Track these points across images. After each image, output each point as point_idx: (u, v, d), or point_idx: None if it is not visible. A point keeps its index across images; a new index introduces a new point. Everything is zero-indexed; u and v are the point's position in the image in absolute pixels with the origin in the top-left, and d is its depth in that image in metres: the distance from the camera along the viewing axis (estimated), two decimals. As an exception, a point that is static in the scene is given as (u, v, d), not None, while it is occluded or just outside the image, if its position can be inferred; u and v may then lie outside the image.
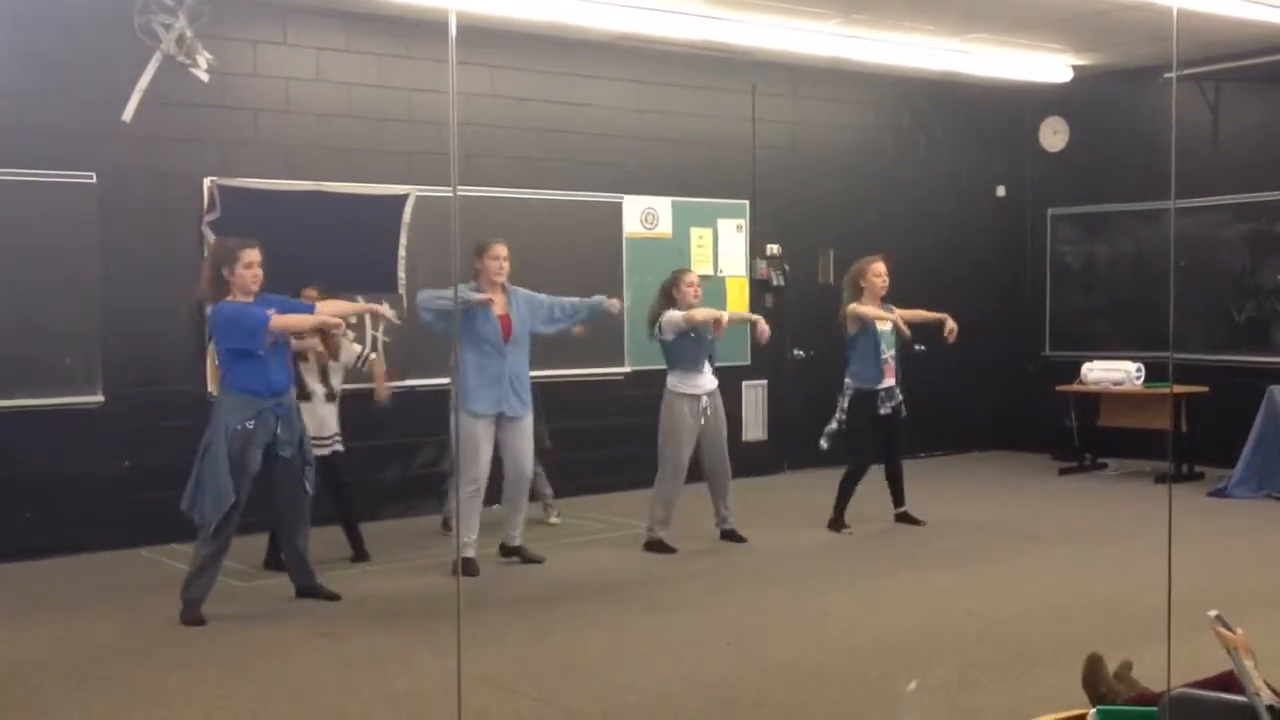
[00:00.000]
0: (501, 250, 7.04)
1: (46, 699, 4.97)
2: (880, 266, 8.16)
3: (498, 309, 7.01)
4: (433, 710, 4.75)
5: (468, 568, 6.83)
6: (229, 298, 6.05)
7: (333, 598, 6.38)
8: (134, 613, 6.25)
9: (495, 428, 7.02)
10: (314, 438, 6.78)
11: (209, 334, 6.57)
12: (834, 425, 8.16)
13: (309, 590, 6.40)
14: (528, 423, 7.12)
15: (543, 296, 7.27)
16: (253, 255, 6.06)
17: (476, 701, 4.71)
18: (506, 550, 7.24)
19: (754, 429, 10.64)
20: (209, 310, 6.19)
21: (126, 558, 7.52)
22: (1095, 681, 4.18)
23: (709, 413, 7.66)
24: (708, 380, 7.68)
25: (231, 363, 6.04)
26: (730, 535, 7.83)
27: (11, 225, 7.41)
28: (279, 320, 5.99)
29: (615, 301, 7.45)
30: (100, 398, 7.65)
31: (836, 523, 8.19)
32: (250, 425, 5.98)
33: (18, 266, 7.42)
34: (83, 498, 7.64)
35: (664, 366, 7.73)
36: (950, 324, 8.28)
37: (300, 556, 6.40)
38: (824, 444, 8.20)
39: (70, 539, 7.52)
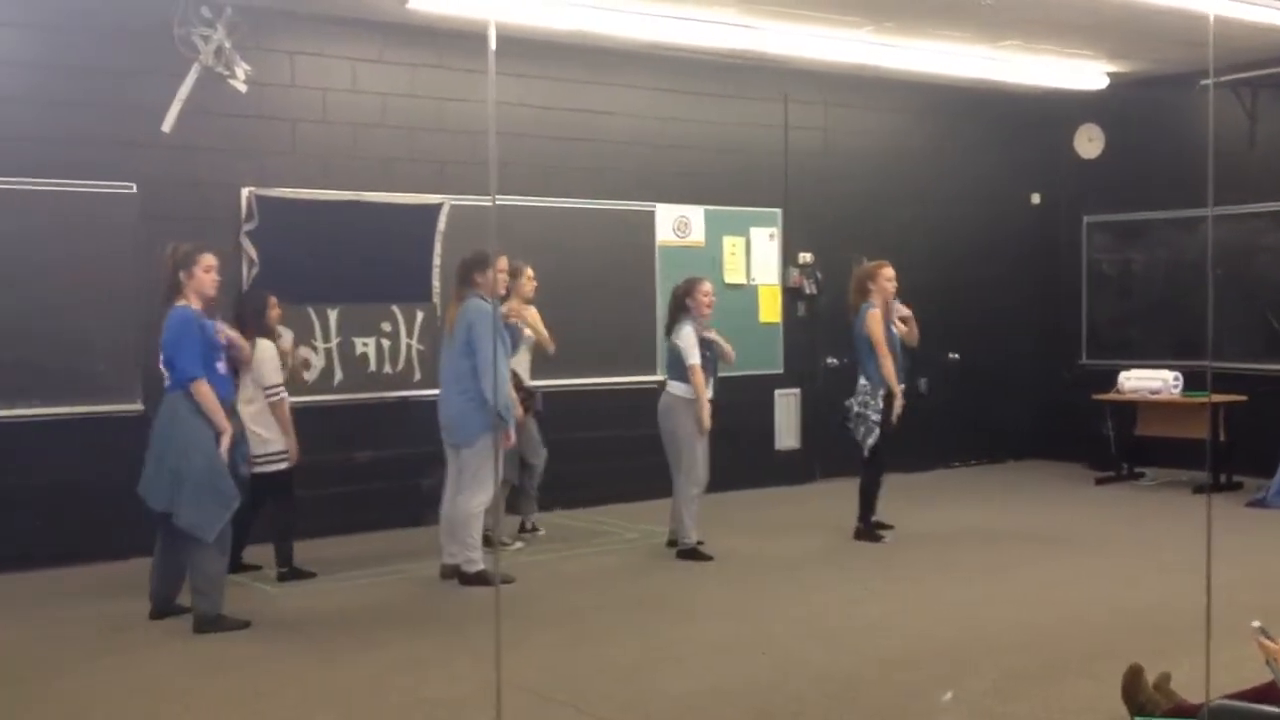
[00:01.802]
0: (503, 264, 7.16)
1: (93, 697, 5.02)
2: (890, 272, 8.13)
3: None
4: (467, 717, 4.77)
5: (486, 577, 6.87)
6: (182, 303, 6.05)
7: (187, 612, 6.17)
8: (174, 617, 6.30)
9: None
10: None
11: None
12: (876, 430, 8.01)
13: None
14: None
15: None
16: (211, 260, 6.13)
17: (511, 708, 4.72)
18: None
19: (786, 437, 10.62)
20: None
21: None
22: (1134, 692, 4.16)
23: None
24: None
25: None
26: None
27: (53, 235, 7.50)
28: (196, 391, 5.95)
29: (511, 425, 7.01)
30: (139, 406, 7.71)
31: (871, 532, 8.17)
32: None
33: (59, 276, 7.51)
34: (122, 505, 7.69)
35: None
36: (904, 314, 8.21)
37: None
38: (868, 453, 8.09)
39: (110, 546, 7.59)
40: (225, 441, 6.02)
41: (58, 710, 4.99)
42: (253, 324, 7.02)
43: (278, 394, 7.02)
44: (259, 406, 6.90)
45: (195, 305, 6.07)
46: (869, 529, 8.16)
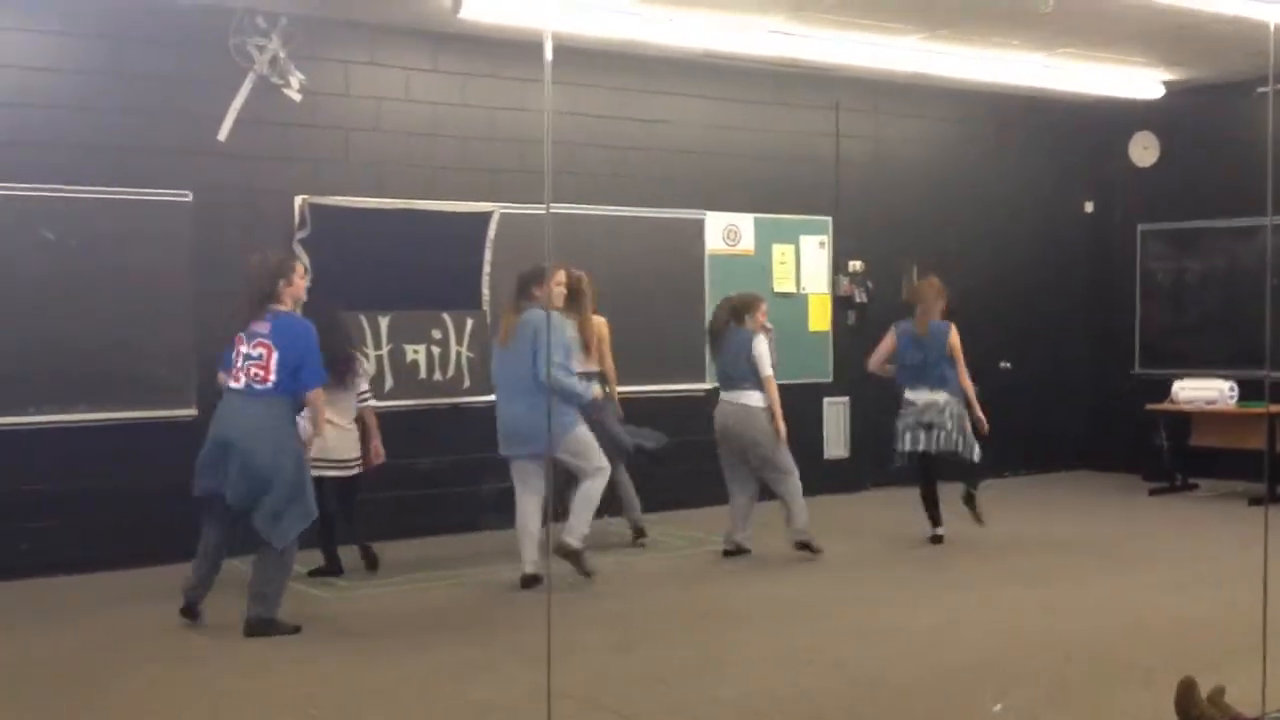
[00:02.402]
0: (560, 277, 7.28)
1: (152, 699, 5.09)
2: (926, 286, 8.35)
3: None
4: (516, 721, 4.79)
5: (529, 583, 6.96)
6: (282, 307, 6.17)
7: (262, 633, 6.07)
8: (228, 620, 6.36)
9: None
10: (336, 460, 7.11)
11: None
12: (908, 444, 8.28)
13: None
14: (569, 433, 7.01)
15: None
16: (303, 268, 6.38)
17: (557, 714, 4.73)
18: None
19: (835, 446, 10.58)
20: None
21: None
22: (1188, 706, 4.11)
23: None
24: None
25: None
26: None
27: (109, 242, 7.62)
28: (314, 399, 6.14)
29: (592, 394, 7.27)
30: (194, 411, 7.81)
31: (936, 532, 8.37)
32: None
33: (115, 283, 7.62)
34: (178, 509, 7.78)
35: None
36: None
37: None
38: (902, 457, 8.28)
39: (166, 549, 7.67)
40: (314, 447, 6.34)
41: (119, 711, 5.05)
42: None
43: (368, 398, 7.40)
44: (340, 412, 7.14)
45: (296, 312, 6.24)
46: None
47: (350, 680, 5.39)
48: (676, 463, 9.12)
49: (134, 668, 5.60)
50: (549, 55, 3.68)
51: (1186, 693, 4.14)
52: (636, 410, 8.57)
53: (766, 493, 7.94)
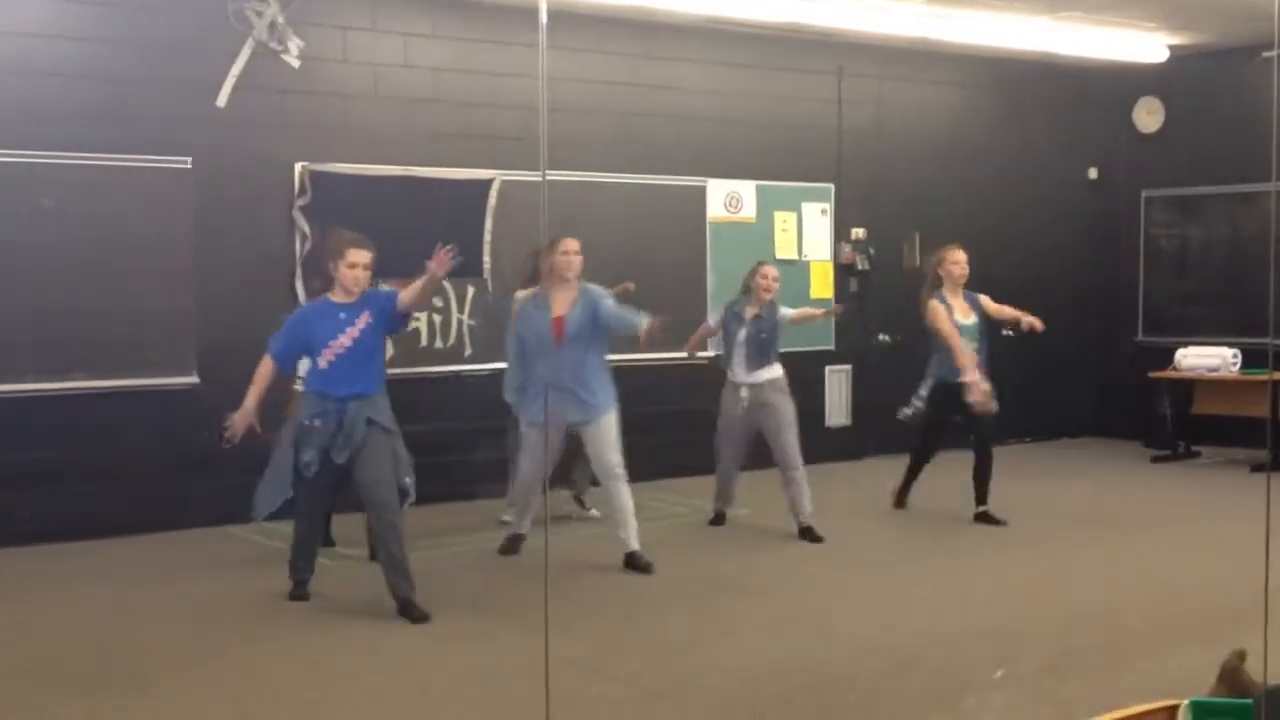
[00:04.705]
0: (573, 245, 6.76)
1: (149, 667, 5.10)
2: (959, 254, 7.96)
3: (558, 309, 6.71)
4: (517, 690, 4.80)
5: (513, 545, 6.99)
6: (329, 294, 6.01)
7: (419, 619, 5.78)
8: (228, 588, 6.39)
9: (560, 434, 6.83)
10: None
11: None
12: (909, 410, 8.05)
13: (399, 608, 5.89)
14: (603, 424, 6.74)
15: (605, 298, 6.82)
16: (358, 256, 5.88)
17: (560, 682, 4.73)
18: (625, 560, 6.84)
19: (837, 415, 10.57)
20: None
21: (218, 535, 7.67)
22: (1235, 675, 4.03)
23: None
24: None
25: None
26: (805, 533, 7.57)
27: (109, 209, 7.58)
28: (258, 370, 5.95)
29: (652, 333, 6.71)
30: (195, 379, 7.80)
31: (899, 499, 8.36)
32: (314, 423, 5.87)
33: (115, 250, 7.59)
34: (177, 476, 7.81)
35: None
36: (1027, 320, 7.94)
37: (389, 565, 5.93)
38: (902, 419, 8.12)
39: (165, 516, 7.70)
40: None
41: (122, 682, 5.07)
42: None
43: None
44: None
45: (336, 300, 5.98)
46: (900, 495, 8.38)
47: (351, 648, 5.39)
48: (675, 431, 9.13)
49: (143, 636, 5.61)
50: (544, 19, 3.64)
51: (1234, 666, 4.05)
52: (637, 379, 8.53)
53: (765, 462, 7.84)
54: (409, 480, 6.02)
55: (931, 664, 5.11)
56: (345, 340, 5.85)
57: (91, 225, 7.52)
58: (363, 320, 5.89)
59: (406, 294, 5.96)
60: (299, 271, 8.15)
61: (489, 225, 8.78)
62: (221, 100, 7.97)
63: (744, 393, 7.58)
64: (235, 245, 8.03)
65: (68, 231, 7.45)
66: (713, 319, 8.04)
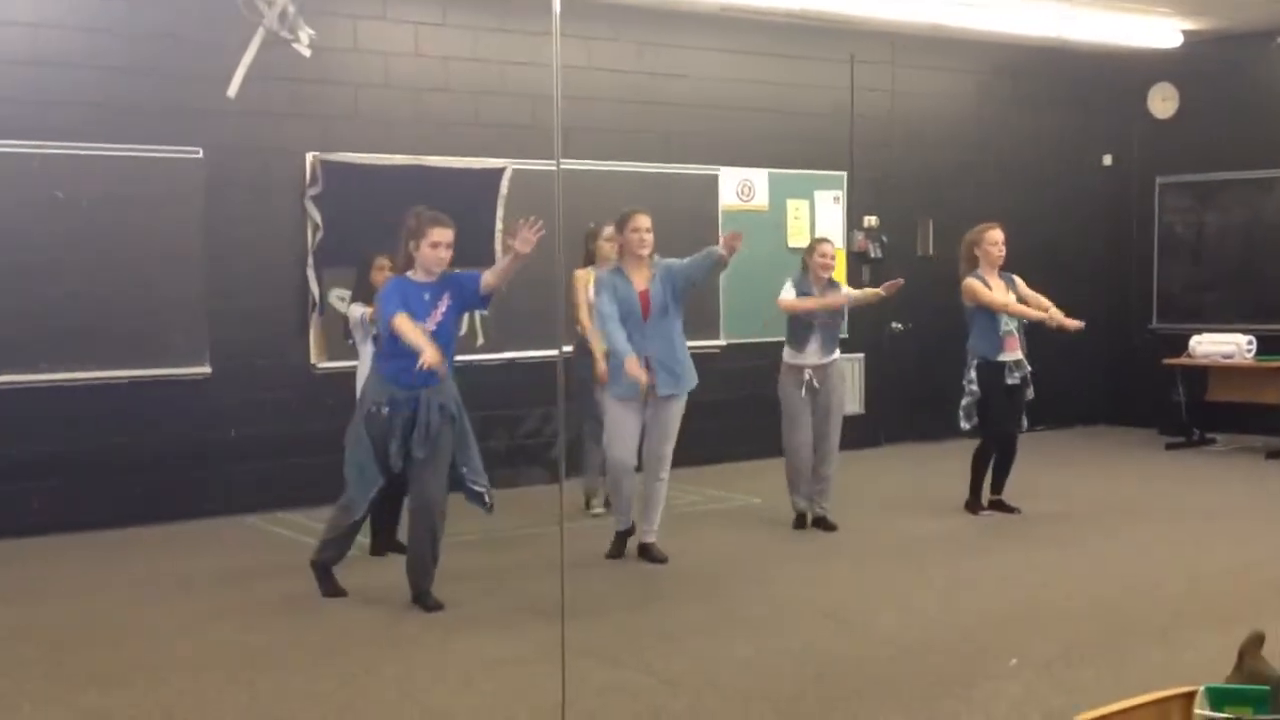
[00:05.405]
0: (644, 222, 6.58)
1: (164, 657, 5.12)
2: (997, 235, 7.71)
3: (639, 285, 6.56)
4: (533, 676, 4.79)
5: (624, 543, 6.80)
6: (410, 273, 5.78)
7: (433, 609, 5.77)
8: (242, 577, 6.40)
9: (645, 408, 6.65)
10: None
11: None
12: (968, 399, 7.60)
13: (414, 596, 5.87)
14: (680, 404, 6.66)
15: (676, 262, 6.65)
16: (441, 235, 5.68)
17: (577, 670, 4.72)
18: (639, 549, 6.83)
19: (850, 402, 10.52)
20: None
21: (231, 524, 7.69)
22: (1252, 657, 4.00)
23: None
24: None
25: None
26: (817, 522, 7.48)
27: (121, 199, 7.59)
28: (397, 323, 5.52)
29: (728, 244, 6.43)
30: (207, 369, 7.82)
31: (974, 504, 7.83)
32: (381, 410, 5.68)
33: (126, 240, 7.60)
34: (190, 466, 7.83)
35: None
36: (1059, 320, 7.69)
37: (416, 564, 5.87)
38: (964, 423, 7.63)
39: (179, 506, 7.72)
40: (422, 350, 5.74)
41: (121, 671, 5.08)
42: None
43: None
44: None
45: (417, 280, 5.77)
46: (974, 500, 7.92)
47: (367, 635, 5.40)
48: (688, 419, 9.09)
49: (157, 625, 5.62)
50: (557, 7, 3.63)
51: (1253, 645, 4.01)
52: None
53: (779, 452, 7.79)
54: (483, 488, 5.92)
55: (946, 651, 5.10)
56: (430, 325, 5.62)
57: (103, 216, 7.53)
58: (444, 302, 5.72)
59: (490, 274, 5.81)
60: (310, 261, 8.16)
61: (500, 214, 8.77)
62: (232, 90, 7.93)
63: (807, 375, 7.28)
64: (247, 235, 8.03)
65: (80, 222, 7.47)
66: (790, 294, 7.37)
